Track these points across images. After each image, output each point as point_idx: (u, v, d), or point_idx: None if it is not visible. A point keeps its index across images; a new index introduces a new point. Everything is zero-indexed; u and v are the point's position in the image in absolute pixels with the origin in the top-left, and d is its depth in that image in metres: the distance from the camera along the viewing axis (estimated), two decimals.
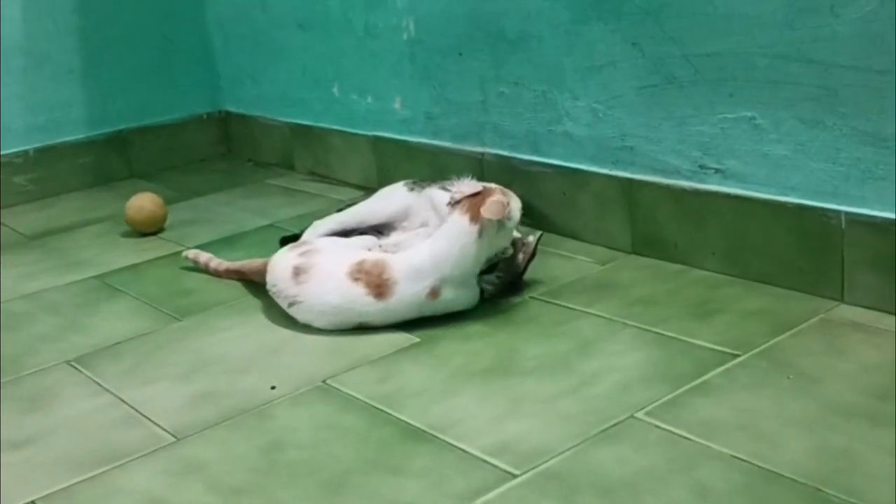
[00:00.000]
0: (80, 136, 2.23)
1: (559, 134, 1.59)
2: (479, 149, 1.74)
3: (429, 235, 1.36)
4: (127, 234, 1.86)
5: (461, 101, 1.76)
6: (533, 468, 0.97)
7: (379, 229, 1.54)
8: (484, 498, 0.94)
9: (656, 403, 1.07)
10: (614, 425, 1.04)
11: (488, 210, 1.29)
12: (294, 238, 1.63)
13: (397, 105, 1.91)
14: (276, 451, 1.05)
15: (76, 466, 1.06)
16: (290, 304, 1.35)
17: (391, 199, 1.56)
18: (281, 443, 1.07)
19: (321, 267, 1.33)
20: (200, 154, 2.39)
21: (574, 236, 1.60)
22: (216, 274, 1.58)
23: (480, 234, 1.30)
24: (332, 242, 1.43)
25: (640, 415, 1.05)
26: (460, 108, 1.77)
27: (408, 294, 1.30)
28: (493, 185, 1.35)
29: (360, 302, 1.30)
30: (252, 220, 1.87)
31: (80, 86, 2.22)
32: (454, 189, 1.33)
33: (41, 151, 2.18)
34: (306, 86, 2.14)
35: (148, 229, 1.85)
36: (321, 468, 1.01)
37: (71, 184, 2.22)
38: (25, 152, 2.16)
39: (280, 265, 1.38)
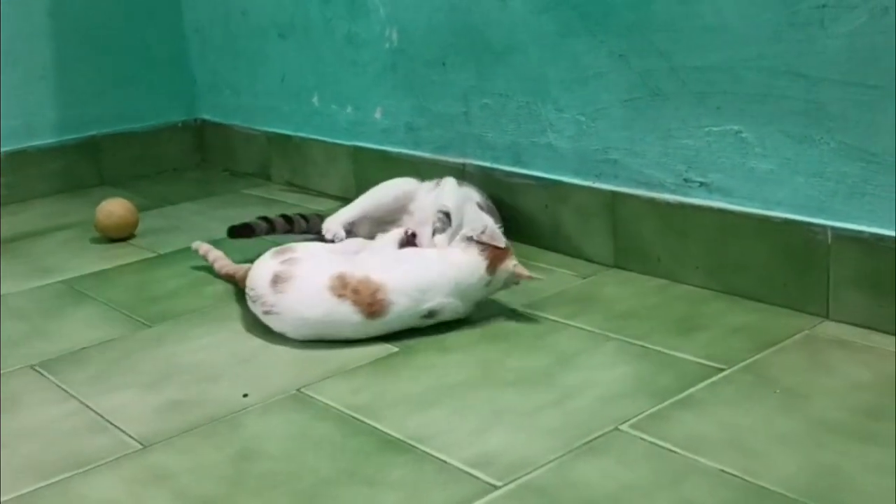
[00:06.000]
0: (52, 140, 2.18)
1: (542, 146, 1.58)
2: (460, 160, 1.72)
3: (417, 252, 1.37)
4: (96, 241, 1.81)
5: (443, 111, 1.74)
6: (514, 480, 0.94)
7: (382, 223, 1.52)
8: None
9: (640, 416, 1.04)
10: (598, 437, 1.01)
11: (527, 278, 1.32)
12: (245, 227, 1.60)
13: (378, 115, 1.89)
14: (247, 460, 1.01)
15: (38, 472, 1.01)
16: (266, 313, 1.31)
17: (396, 185, 1.58)
18: (252, 452, 1.03)
19: (301, 278, 1.29)
20: (174, 163, 2.35)
21: (555, 249, 1.58)
22: (217, 273, 1.54)
23: (489, 284, 1.31)
24: (317, 250, 1.38)
25: (624, 427, 1.02)
26: (442, 119, 1.75)
27: (405, 314, 1.27)
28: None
29: (347, 321, 1.26)
30: (222, 228, 1.83)
31: (52, 89, 2.17)
32: (483, 230, 1.31)
33: (11, 155, 2.12)
34: (285, 95, 2.11)
35: (118, 235, 1.80)
36: (294, 478, 0.97)
37: (40, 189, 2.16)
38: None
39: (260, 270, 1.34)
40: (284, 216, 1.66)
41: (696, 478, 0.93)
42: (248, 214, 1.90)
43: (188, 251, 1.65)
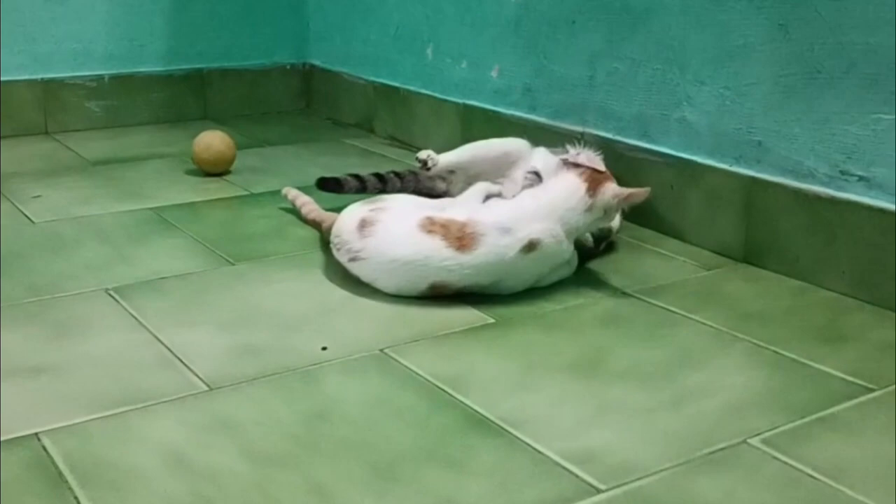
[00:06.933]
0: (159, 68, 2.12)
1: (674, 120, 1.42)
2: (579, 128, 1.58)
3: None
4: (191, 173, 1.74)
5: (566, 74, 1.60)
6: (621, 485, 0.81)
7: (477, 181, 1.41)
8: None
9: (774, 431, 0.89)
10: (722, 449, 0.87)
11: (635, 195, 1.20)
12: (334, 182, 1.49)
13: (494, 74, 1.76)
14: (321, 420, 0.91)
15: (93, 402, 0.93)
16: (352, 259, 1.20)
17: (508, 143, 1.46)
18: (327, 412, 0.93)
19: (390, 220, 1.19)
20: (279, 106, 2.27)
21: (676, 236, 1.43)
22: (304, 219, 1.45)
23: (590, 209, 1.19)
24: (407, 198, 1.28)
25: (754, 441, 0.88)
26: (564, 83, 1.61)
27: (498, 246, 1.15)
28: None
29: (437, 255, 1.15)
30: (320, 174, 1.74)
31: (165, 18, 2.11)
32: (579, 153, 1.22)
33: (117, 79, 2.08)
34: (398, 45, 2.00)
35: (214, 169, 1.73)
36: (371, 449, 0.86)
37: (143, 117, 2.11)
38: (101, 77, 2.06)
39: (347, 216, 1.24)
40: (377, 175, 1.55)
41: None
42: (345, 164, 1.82)
43: (280, 193, 1.56)
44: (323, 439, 0.88)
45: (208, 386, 0.97)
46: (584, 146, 1.28)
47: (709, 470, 0.83)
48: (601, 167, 1.22)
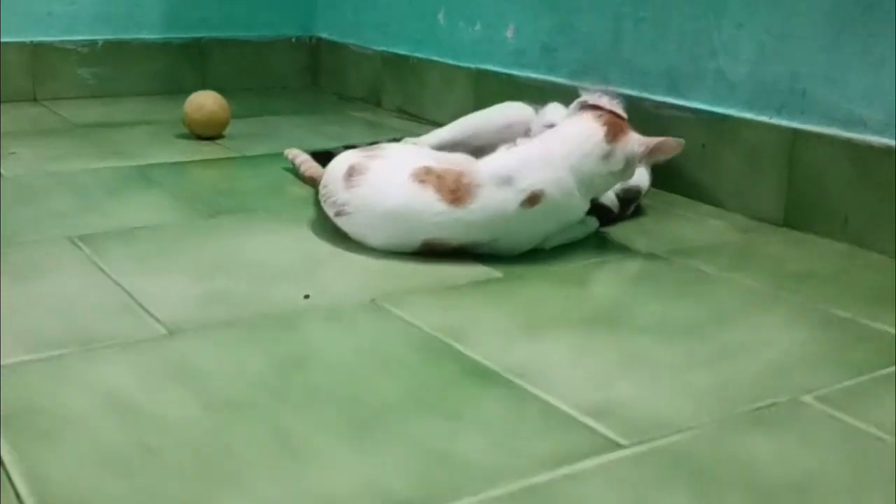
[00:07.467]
0: (155, 36, 2.01)
1: (708, 72, 1.29)
2: (601, 86, 1.44)
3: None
4: (183, 136, 1.62)
5: (589, 30, 1.47)
6: (647, 441, 0.67)
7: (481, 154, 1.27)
8: (575, 467, 0.64)
9: (831, 389, 0.75)
10: (769, 406, 0.73)
11: (665, 145, 1.03)
12: (326, 154, 1.36)
13: (509, 34, 1.63)
14: (297, 369, 0.78)
15: (32, 343, 0.80)
16: (338, 214, 1.07)
17: (508, 110, 1.30)
18: (305, 360, 0.79)
19: (381, 168, 1.05)
20: (283, 80, 2.15)
21: (708, 200, 1.29)
22: (301, 177, 1.33)
23: (608, 157, 1.02)
24: (408, 147, 1.15)
25: (807, 399, 0.74)
26: (586, 39, 1.48)
27: (495, 199, 1.00)
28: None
29: (429, 209, 1.01)
30: (321, 142, 1.61)
31: None
32: (596, 95, 1.06)
33: (111, 45, 1.96)
34: (409, 12, 1.88)
35: (206, 132, 1.60)
36: (352, 399, 0.73)
37: (137, 86, 1.99)
38: (94, 43, 1.95)
39: (335, 164, 1.10)
40: (375, 144, 1.41)
41: None
42: (349, 133, 1.69)
43: (277, 157, 1.44)
44: (296, 387, 0.74)
45: (168, 331, 0.84)
46: (606, 95, 1.14)
47: (755, 428, 0.69)
48: (622, 113, 1.07)
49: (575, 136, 1.04)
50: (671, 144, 1.04)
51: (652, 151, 1.04)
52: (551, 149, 1.03)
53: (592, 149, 1.03)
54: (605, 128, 1.03)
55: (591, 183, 1.05)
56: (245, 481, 0.61)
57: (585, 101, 1.07)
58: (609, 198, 1.16)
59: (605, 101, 1.07)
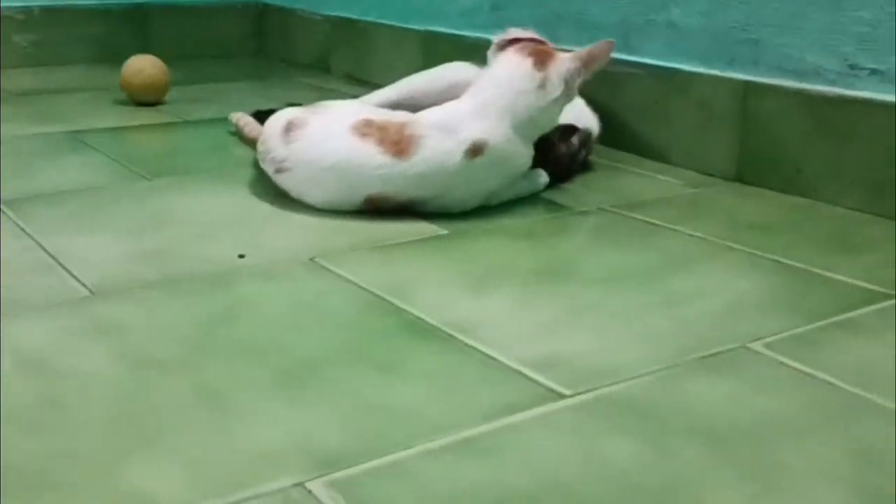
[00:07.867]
0: (95, 1, 1.93)
1: (660, 24, 1.26)
2: (551, 45, 1.41)
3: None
4: (121, 102, 1.56)
5: None
6: (592, 390, 0.64)
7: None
8: (517, 417, 0.60)
9: (780, 336, 0.73)
10: (719, 353, 0.70)
11: (597, 50, 0.99)
12: (269, 113, 1.31)
13: None
14: (225, 325, 0.73)
15: None
16: (277, 171, 1.02)
17: (453, 69, 1.26)
18: (233, 316, 0.75)
19: (320, 122, 1.01)
20: (228, 48, 2.09)
21: (659, 157, 1.26)
22: (244, 139, 1.26)
23: (543, 85, 0.98)
24: (354, 103, 1.11)
25: (755, 346, 0.71)
26: None
27: (438, 150, 0.97)
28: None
29: (371, 162, 0.97)
30: (265, 105, 1.56)
31: None
32: (504, 34, 1.03)
33: (47, 11, 1.89)
34: None
35: (145, 97, 1.54)
36: (282, 352, 0.69)
37: (76, 54, 1.92)
38: (29, 9, 1.87)
39: (273, 119, 1.06)
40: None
41: (868, 420, 0.61)
42: (294, 97, 1.63)
43: (221, 122, 1.39)
44: (224, 344, 0.70)
45: (91, 291, 0.79)
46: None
47: (704, 374, 0.67)
48: (539, 38, 1.03)
49: (504, 77, 1.00)
50: (603, 47, 1.01)
51: (587, 61, 1.00)
52: (486, 96, 0.99)
53: (525, 83, 0.99)
54: (530, 58, 1.00)
55: (534, 120, 1.01)
56: (167, 439, 0.57)
57: (502, 40, 1.03)
58: (566, 144, 1.13)
59: (519, 32, 1.04)
